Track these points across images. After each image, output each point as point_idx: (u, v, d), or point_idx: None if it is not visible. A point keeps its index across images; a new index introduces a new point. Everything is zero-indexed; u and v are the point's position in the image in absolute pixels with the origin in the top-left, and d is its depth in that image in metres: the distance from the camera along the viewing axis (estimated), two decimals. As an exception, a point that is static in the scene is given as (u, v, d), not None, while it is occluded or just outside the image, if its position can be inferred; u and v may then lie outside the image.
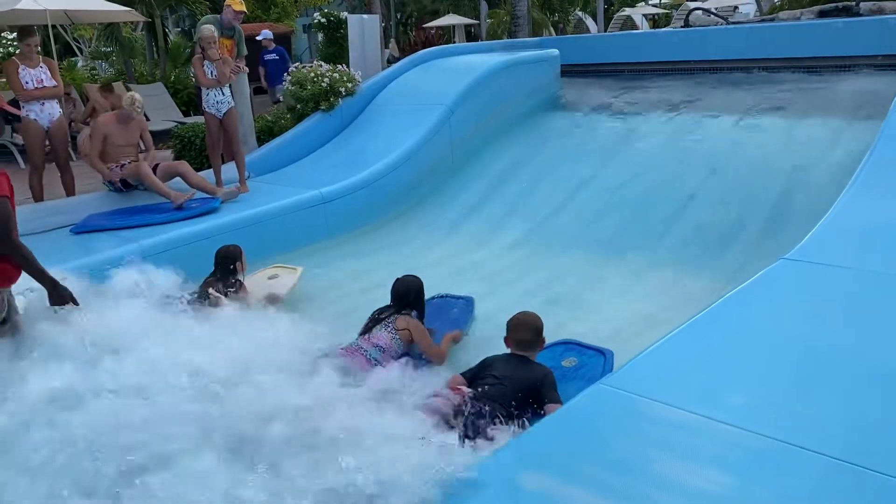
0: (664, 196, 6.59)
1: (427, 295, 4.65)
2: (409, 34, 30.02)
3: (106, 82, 12.71)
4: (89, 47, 24.21)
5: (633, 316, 4.92)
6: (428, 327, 4.42)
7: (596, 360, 4.07)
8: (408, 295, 4.36)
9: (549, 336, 3.99)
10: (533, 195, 7.33)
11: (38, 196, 6.96)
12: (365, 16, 10.88)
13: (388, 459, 2.81)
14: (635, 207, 6.60)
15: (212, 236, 6.09)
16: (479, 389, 3.52)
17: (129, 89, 11.03)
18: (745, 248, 5.63)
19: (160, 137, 10.68)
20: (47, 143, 7.02)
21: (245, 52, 7.63)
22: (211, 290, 4.70)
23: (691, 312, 3.68)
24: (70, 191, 7.17)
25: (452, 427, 3.20)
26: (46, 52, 10.28)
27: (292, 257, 6.29)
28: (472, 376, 3.73)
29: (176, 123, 11.73)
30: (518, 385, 3.51)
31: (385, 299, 4.52)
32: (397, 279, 4.45)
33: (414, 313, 4.33)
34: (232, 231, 6.26)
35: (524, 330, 3.76)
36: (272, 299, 5.01)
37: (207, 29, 6.95)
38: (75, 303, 3.64)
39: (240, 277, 5.12)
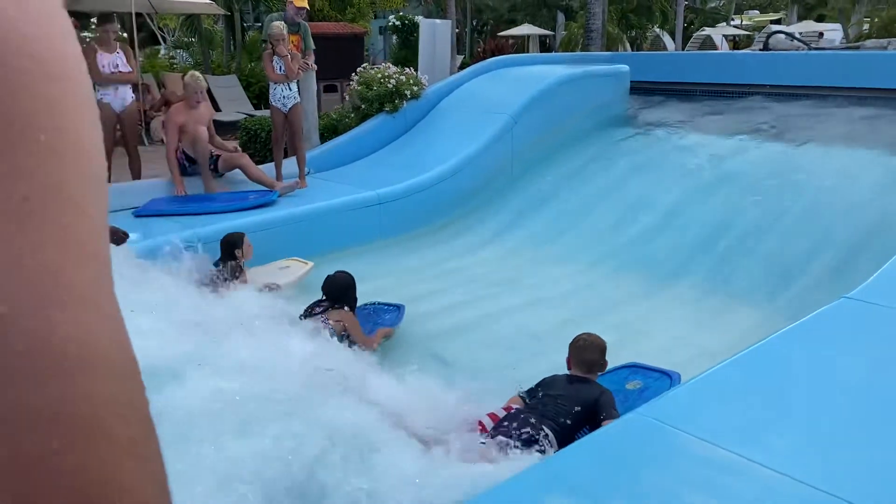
0: (727, 223, 6.38)
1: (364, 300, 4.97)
2: (484, 42, 30.03)
3: (185, 71, 13.08)
4: (173, 37, 24.98)
5: (684, 345, 4.76)
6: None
7: (661, 384, 3.95)
8: (339, 290, 4.50)
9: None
10: (591, 212, 7.19)
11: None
12: (437, 21, 10.91)
13: (408, 474, 2.79)
14: (696, 233, 6.40)
15: (266, 229, 6.19)
16: (535, 407, 3.47)
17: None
18: (811, 285, 5.37)
19: (229, 128, 10.93)
20: (118, 127, 7.23)
21: (312, 46, 7.78)
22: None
23: (745, 346, 3.53)
24: (136, 175, 7.38)
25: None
26: (131, 41, 10.63)
27: (344, 255, 6.32)
28: (529, 395, 3.67)
29: (246, 115, 11.99)
30: (574, 403, 3.42)
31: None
32: (329, 276, 4.59)
33: (346, 308, 4.48)
34: (286, 225, 6.35)
35: (590, 350, 3.65)
36: (270, 287, 5.16)
37: (276, 26, 7.08)
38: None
39: (241, 263, 5.25)
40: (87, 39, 7.32)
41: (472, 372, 4.24)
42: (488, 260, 6.56)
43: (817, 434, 2.77)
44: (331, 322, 4.28)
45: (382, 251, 6.66)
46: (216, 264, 5.28)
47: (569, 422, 3.36)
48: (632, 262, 6.25)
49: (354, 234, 6.71)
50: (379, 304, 5.22)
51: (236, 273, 5.12)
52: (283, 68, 7.14)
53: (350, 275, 4.62)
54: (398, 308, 5.14)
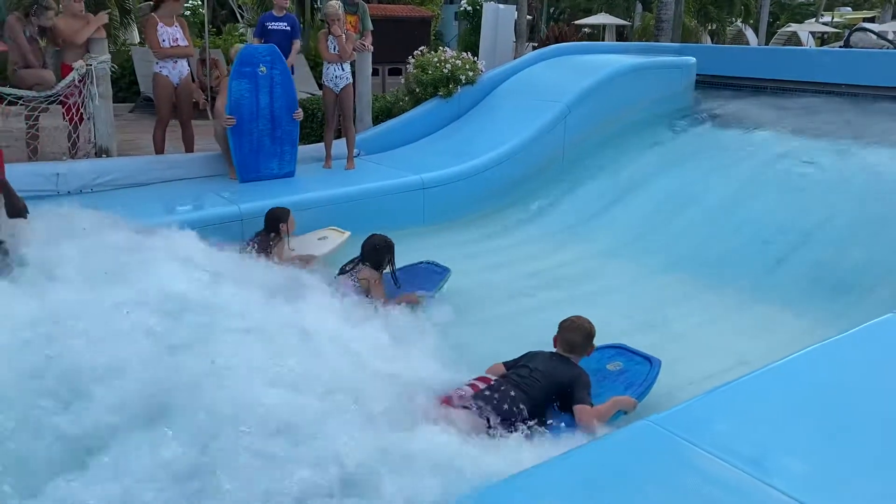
0: (782, 226, 6.07)
1: (415, 260, 5.46)
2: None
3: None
4: (249, 15, 25.39)
5: (721, 352, 4.53)
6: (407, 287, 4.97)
7: (641, 368, 3.96)
8: (370, 250, 4.80)
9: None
10: (640, 206, 6.96)
11: (159, 148, 7.26)
12: (501, 5, 10.71)
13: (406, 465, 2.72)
14: (748, 234, 6.12)
15: (308, 208, 6.19)
16: (512, 378, 3.58)
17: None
18: (862, 298, 5.05)
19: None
20: (174, 99, 7.30)
21: (370, 27, 7.74)
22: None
23: (785, 355, 3.31)
24: (189, 147, 7.45)
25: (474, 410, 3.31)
26: (213, 19, 10.74)
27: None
28: (512, 365, 3.79)
29: (309, 95, 12.04)
30: (549, 381, 3.53)
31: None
32: (370, 235, 4.91)
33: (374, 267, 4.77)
34: (327, 206, 6.35)
35: (575, 332, 3.73)
36: (306, 259, 5.23)
37: (332, 5, 7.05)
38: (26, 214, 4.23)
39: (283, 237, 5.37)
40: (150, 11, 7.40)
41: (479, 363, 4.03)
42: (529, 252, 6.39)
43: (842, 461, 2.55)
44: (358, 279, 4.63)
45: (423, 236, 6.57)
46: (256, 234, 5.38)
47: (540, 395, 3.48)
48: (680, 262, 6.01)
49: (396, 218, 6.62)
50: (429, 263, 5.45)
51: (273, 244, 5.21)
52: (336, 48, 7.11)
53: (385, 238, 4.89)
54: (445, 271, 5.32)
